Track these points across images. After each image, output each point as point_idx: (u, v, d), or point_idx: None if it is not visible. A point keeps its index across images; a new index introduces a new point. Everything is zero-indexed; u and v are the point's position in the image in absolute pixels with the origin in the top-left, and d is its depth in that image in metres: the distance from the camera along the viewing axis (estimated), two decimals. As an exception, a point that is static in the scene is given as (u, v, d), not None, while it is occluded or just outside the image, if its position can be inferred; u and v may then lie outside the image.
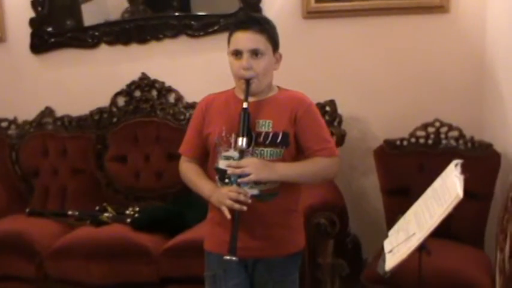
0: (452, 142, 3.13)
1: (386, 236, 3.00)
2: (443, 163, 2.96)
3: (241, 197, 1.96)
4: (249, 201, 1.96)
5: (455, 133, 3.14)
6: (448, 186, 1.88)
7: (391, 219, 3.01)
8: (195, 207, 3.16)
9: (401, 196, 3.06)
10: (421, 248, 1.85)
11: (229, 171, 1.98)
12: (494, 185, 2.91)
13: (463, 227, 2.87)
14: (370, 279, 2.70)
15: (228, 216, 1.96)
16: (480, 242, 2.95)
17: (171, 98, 3.70)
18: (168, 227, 3.15)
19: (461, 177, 1.88)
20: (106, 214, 3.31)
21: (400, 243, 1.92)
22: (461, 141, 3.11)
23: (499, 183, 2.93)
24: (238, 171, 1.97)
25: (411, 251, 1.83)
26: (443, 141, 3.14)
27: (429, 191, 2.03)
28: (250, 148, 2.00)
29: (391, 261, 1.88)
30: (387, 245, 2.00)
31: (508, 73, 2.74)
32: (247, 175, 1.96)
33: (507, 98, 2.89)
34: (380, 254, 2.74)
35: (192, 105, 3.62)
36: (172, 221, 3.19)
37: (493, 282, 2.44)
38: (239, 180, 1.97)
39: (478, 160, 2.97)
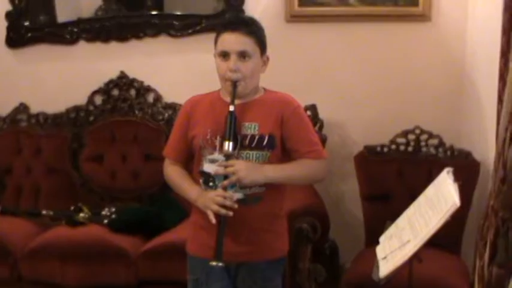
0: (432, 150, 3.17)
1: (364, 242, 3.08)
2: (422, 170, 3.06)
3: (227, 202, 1.96)
4: (235, 206, 1.96)
5: (435, 141, 3.19)
6: (444, 194, 1.90)
7: (370, 225, 3.09)
8: (173, 208, 3.18)
9: (380, 202, 3.10)
10: (413, 255, 1.86)
11: (220, 170, 1.98)
12: (472, 193, 2.96)
13: (440, 234, 2.89)
14: (349, 285, 2.72)
15: (213, 220, 1.95)
16: (457, 248, 3.00)
17: (150, 97, 3.68)
18: (146, 228, 3.14)
19: (456, 185, 1.90)
20: (82, 214, 3.28)
21: (394, 250, 1.93)
22: (440, 149, 3.16)
23: (477, 191, 2.98)
24: (227, 170, 1.96)
25: (407, 257, 1.85)
26: (423, 149, 3.19)
27: (422, 199, 2.05)
28: (236, 151, 2.00)
29: (385, 268, 1.89)
30: (380, 251, 2.01)
31: (487, 82, 2.79)
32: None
33: (486, 107, 2.95)
34: (361, 259, 2.80)
35: (171, 106, 3.61)
36: (151, 222, 3.18)
37: (471, 289, 2.48)
38: (225, 182, 1.97)
39: (457, 168, 2.97)
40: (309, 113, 3.33)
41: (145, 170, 3.51)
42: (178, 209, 3.11)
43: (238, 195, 2.00)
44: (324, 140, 3.26)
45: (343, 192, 3.48)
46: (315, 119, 3.33)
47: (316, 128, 3.31)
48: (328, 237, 3.14)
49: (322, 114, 3.35)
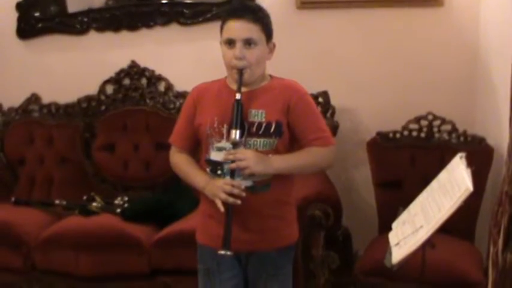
0: (445, 136, 3.15)
1: (377, 229, 3.08)
2: (435, 157, 3.04)
3: (235, 190, 1.96)
4: (243, 194, 1.96)
5: (448, 127, 3.16)
6: (457, 179, 1.88)
7: (383, 212, 3.09)
8: (185, 196, 3.18)
9: (393, 189, 3.09)
10: (426, 241, 1.86)
11: (226, 167, 1.99)
12: (486, 179, 2.94)
13: (454, 221, 2.88)
14: (363, 272, 2.72)
15: (222, 209, 1.96)
16: (471, 235, 2.99)
17: (161, 86, 3.68)
18: (158, 217, 3.15)
19: (469, 171, 1.89)
20: (94, 204, 3.30)
21: (407, 236, 1.92)
22: (453, 135, 3.13)
23: (490, 178, 2.95)
24: (234, 165, 1.97)
25: (420, 243, 1.84)
26: (436, 135, 3.17)
27: (434, 184, 2.03)
28: (243, 139, 2.00)
29: (398, 254, 1.88)
30: (393, 237, 2.01)
31: (501, 67, 2.76)
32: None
33: (500, 92, 2.91)
34: (375, 246, 2.80)
35: (182, 94, 3.61)
36: (163, 211, 3.19)
37: (486, 276, 2.46)
38: (232, 165, 1.97)
39: (471, 154, 2.94)
40: (320, 99, 3.33)
41: (157, 159, 3.52)
42: (190, 197, 3.10)
43: (247, 183, 2.00)
44: (336, 127, 3.25)
45: (356, 178, 3.47)
46: (327, 105, 3.32)
47: (328, 114, 3.31)
48: (341, 224, 3.13)
49: (334, 100, 3.34)
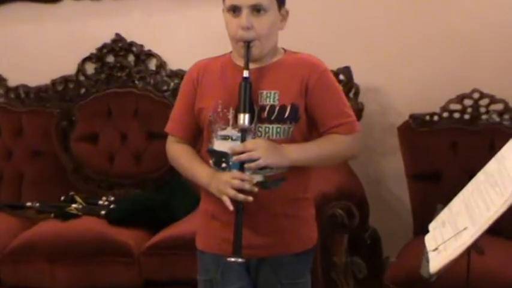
0: (495, 117, 3.15)
1: (412, 231, 3.09)
2: (482, 143, 3.04)
3: (246, 186, 1.96)
4: (256, 189, 1.96)
5: (498, 106, 3.15)
6: (509, 170, 1.87)
7: (419, 210, 3.09)
8: (183, 194, 3.21)
9: (430, 182, 3.10)
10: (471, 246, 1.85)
11: (235, 158, 1.99)
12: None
13: (505, 220, 2.88)
14: (395, 282, 2.72)
15: (231, 207, 1.96)
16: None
17: (152, 64, 3.71)
18: (151, 220, 3.18)
19: None
20: (74, 205, 3.32)
21: (447, 239, 1.91)
22: (506, 116, 3.13)
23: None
24: (244, 156, 1.97)
25: (464, 248, 1.81)
26: (484, 116, 3.16)
27: (481, 177, 2.02)
28: (252, 125, 2.00)
29: (437, 261, 1.87)
30: (430, 241, 2.00)
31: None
32: (253, 160, 1.96)
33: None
34: (409, 251, 2.81)
35: (177, 74, 3.63)
36: (156, 212, 3.22)
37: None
38: (246, 165, 1.97)
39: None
40: (341, 77, 3.33)
41: (149, 150, 3.56)
42: (189, 195, 3.14)
43: (257, 177, 2.01)
44: (360, 109, 3.26)
45: (385, 170, 3.49)
46: (349, 83, 3.32)
47: (351, 94, 3.31)
48: (368, 225, 3.15)
49: (358, 78, 3.34)
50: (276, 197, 2.05)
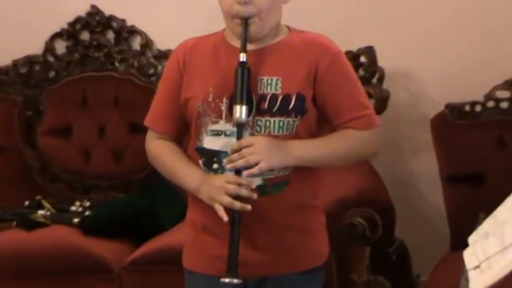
0: (551, 107, 3.17)
1: (448, 244, 3.09)
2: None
3: (244, 191, 1.96)
4: (255, 196, 1.97)
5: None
6: None
7: (456, 219, 3.10)
8: (173, 200, 3.22)
9: (470, 185, 3.12)
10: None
11: (229, 166, 2.00)
12: None
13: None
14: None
15: (225, 218, 1.96)
16: None
17: (136, 43, 3.74)
18: (133, 230, 3.22)
19: None
20: (41, 212, 3.34)
21: (491, 255, 1.92)
22: None
23: None
24: (241, 163, 1.97)
25: None
26: (537, 106, 3.19)
27: None
28: (250, 118, 2.01)
29: (479, 282, 1.86)
30: (470, 257, 2.00)
31: None
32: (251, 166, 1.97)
33: None
34: (444, 269, 2.80)
35: (165, 55, 3.64)
36: (140, 221, 3.24)
37: None
38: (245, 172, 1.98)
39: None
40: (363, 59, 3.35)
41: (132, 146, 3.59)
42: (178, 201, 3.13)
43: (256, 181, 2.01)
44: (385, 98, 3.27)
45: (415, 171, 3.51)
46: (372, 67, 3.34)
47: (374, 80, 3.33)
48: (393, 238, 3.15)
49: (383, 60, 3.36)
50: (279, 204, 2.06)
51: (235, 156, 1.99)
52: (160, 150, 2.19)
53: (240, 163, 1.98)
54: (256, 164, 1.96)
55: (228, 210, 1.98)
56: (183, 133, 2.20)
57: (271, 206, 2.05)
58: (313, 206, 2.17)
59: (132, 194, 3.56)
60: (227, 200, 1.96)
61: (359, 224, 2.80)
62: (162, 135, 2.20)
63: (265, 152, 1.97)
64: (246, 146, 1.98)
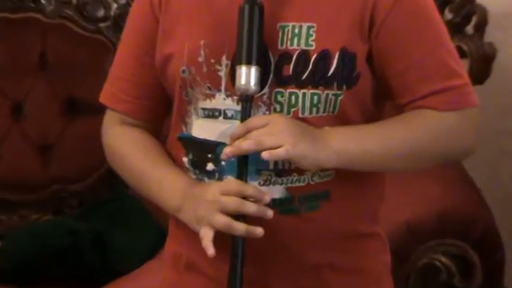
0: None
1: None
2: None
3: (251, 208, 1.98)
4: (270, 213, 1.99)
5: None
6: None
7: None
8: (137, 224, 3.37)
9: None
10: None
11: (226, 151, 2.00)
12: None
13: None
14: None
15: (210, 251, 1.97)
16: None
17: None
18: (70, 275, 3.29)
19: None
20: None
21: None
22: None
23: None
24: (247, 145, 1.97)
25: None
26: None
27: None
28: (266, 90, 2.06)
29: None
30: None
31: None
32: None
33: None
34: None
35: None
36: (81, 258, 3.32)
37: None
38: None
39: None
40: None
41: (67, 136, 3.71)
42: (149, 225, 3.30)
43: (274, 191, 2.07)
44: (488, 56, 3.33)
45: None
46: (467, 7, 3.42)
47: (469, 28, 3.39)
48: (502, 284, 3.19)
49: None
50: (313, 230, 2.12)
51: (238, 142, 1.98)
52: (125, 144, 2.27)
53: (245, 146, 1.97)
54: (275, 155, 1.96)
55: (224, 237, 1.99)
56: (162, 115, 2.28)
57: (299, 232, 2.11)
58: (371, 234, 2.23)
59: (67, 214, 3.65)
60: (222, 221, 1.98)
61: (442, 265, 2.88)
62: (129, 119, 2.27)
63: (288, 134, 1.98)
64: (257, 127, 1.98)
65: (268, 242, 2.03)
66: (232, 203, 1.99)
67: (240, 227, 1.97)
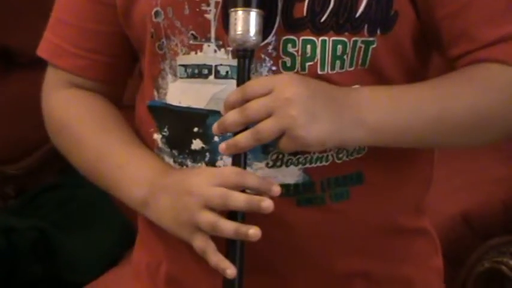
0: None
1: None
2: None
3: (237, 201, 1.92)
4: (271, 206, 1.92)
5: None
6: None
7: None
8: (93, 218, 3.35)
9: None
10: None
11: (215, 127, 1.96)
12: None
13: None
14: None
15: (231, 271, 1.91)
16: None
17: None
18: (1, 284, 3.29)
19: None
20: None
21: None
22: None
23: None
24: (245, 142, 1.91)
25: None
26: None
27: None
28: (271, 38, 2.03)
29: None
30: None
31: None
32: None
33: None
34: None
35: None
36: (19, 266, 3.33)
37: None
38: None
39: None
40: None
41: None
42: (108, 218, 3.30)
43: (285, 176, 2.04)
44: None
45: None
46: None
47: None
48: None
49: None
50: (342, 228, 2.10)
51: (232, 115, 1.93)
52: (73, 115, 2.24)
53: (243, 143, 1.91)
54: (280, 137, 1.89)
55: (218, 242, 1.95)
56: (124, 75, 2.26)
57: (323, 230, 2.09)
58: (417, 230, 2.22)
59: (3, 209, 3.63)
60: (205, 219, 1.94)
61: (510, 271, 2.88)
62: (79, 80, 2.24)
63: (300, 110, 1.92)
64: (258, 95, 1.92)
65: (284, 246, 2.03)
66: (217, 196, 1.93)
67: (226, 227, 1.92)
